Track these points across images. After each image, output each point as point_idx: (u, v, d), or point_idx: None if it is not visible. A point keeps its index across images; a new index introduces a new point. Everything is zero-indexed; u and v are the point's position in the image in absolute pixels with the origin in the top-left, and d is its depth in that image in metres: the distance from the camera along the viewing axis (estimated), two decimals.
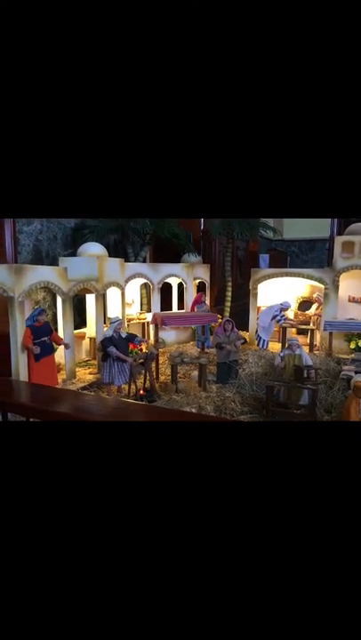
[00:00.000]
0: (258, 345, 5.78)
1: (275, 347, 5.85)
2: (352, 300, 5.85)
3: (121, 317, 5.21)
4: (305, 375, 4.43)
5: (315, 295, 6.03)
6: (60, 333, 4.69)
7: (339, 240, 5.62)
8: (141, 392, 4.52)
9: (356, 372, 4.52)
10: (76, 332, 5.09)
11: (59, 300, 4.71)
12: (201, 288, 6.98)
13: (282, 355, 4.57)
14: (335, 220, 7.32)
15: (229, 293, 6.77)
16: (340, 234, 6.58)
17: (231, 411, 4.32)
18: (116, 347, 4.31)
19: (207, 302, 6.73)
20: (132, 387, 4.56)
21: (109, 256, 5.72)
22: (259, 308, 6.15)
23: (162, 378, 5.15)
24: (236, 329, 5.02)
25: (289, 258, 13.06)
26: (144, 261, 6.68)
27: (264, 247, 11.95)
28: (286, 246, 13.49)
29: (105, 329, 4.89)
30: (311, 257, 12.91)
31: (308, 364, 4.51)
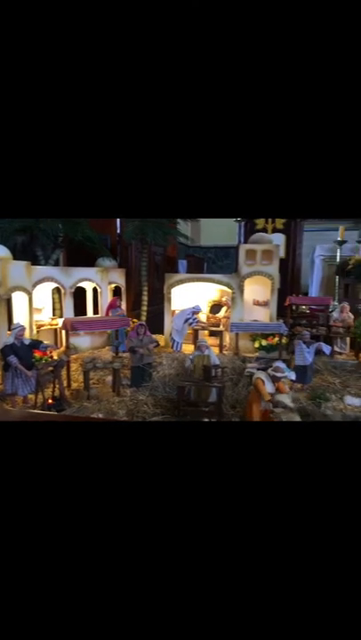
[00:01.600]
0: (172, 347, 5.96)
1: (188, 348, 6.09)
2: (256, 303, 6.37)
3: (26, 324, 4.93)
4: (213, 374, 4.70)
5: (224, 299, 6.44)
6: None
7: (243, 248, 6.09)
8: (50, 401, 4.33)
9: (258, 369, 4.93)
10: None
11: None
12: (117, 292, 6.95)
13: (191, 357, 4.79)
14: (242, 229, 7.92)
15: (146, 298, 6.86)
16: (245, 242, 7.11)
17: (143, 413, 4.38)
18: (17, 354, 4.06)
19: (123, 307, 6.73)
20: (40, 396, 4.34)
21: (17, 259, 5.38)
22: (173, 312, 6.34)
23: (74, 385, 5.00)
24: (149, 332, 5.11)
25: (206, 264, 13.72)
26: (56, 265, 6.42)
27: (182, 253, 12.38)
28: (203, 252, 14.14)
29: (7, 336, 4.58)
30: (226, 263, 13.73)
31: (215, 364, 4.80)
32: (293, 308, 6.79)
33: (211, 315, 6.50)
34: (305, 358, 5.04)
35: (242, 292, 6.10)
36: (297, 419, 4.47)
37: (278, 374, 4.44)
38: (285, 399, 4.29)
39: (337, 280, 8.73)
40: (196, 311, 5.78)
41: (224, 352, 5.93)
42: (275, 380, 4.47)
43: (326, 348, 5.10)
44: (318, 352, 5.15)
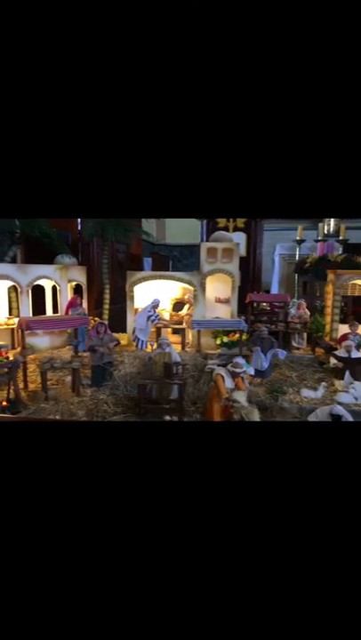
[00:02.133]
0: (137, 346, 5.92)
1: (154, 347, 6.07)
2: (218, 300, 6.46)
3: None
4: (174, 371, 4.72)
5: (186, 297, 6.48)
6: None
7: (204, 246, 6.16)
8: (4, 403, 4.16)
9: (218, 365, 5.01)
10: None
11: None
12: (78, 291, 6.80)
13: (152, 355, 4.79)
14: (204, 227, 8.00)
15: (108, 296, 6.76)
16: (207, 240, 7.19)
17: (104, 413, 4.32)
18: None
19: (84, 305, 6.59)
20: None
21: None
22: (136, 310, 6.30)
23: (32, 386, 4.84)
24: (109, 331, 5.04)
25: (171, 262, 13.74)
26: (13, 262, 6.17)
27: (147, 251, 12.32)
28: (169, 251, 14.16)
29: None
30: (192, 261, 13.82)
31: (176, 361, 4.82)
32: (255, 305, 6.96)
33: (173, 312, 6.52)
34: (261, 365, 5.24)
35: (203, 289, 6.16)
36: (256, 414, 4.59)
37: (237, 370, 4.54)
38: (241, 397, 4.40)
39: (296, 278, 9.07)
40: (155, 305, 5.78)
41: (186, 349, 5.98)
42: (234, 375, 4.57)
43: (282, 354, 5.33)
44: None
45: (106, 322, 5.52)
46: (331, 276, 6.06)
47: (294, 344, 6.31)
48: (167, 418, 4.48)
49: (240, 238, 7.78)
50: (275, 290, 10.14)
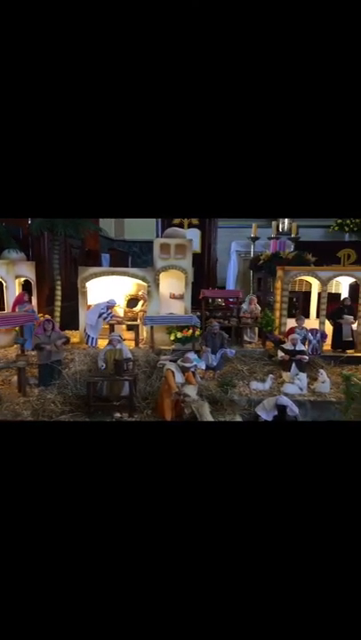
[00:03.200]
0: (87, 343, 5.81)
1: (104, 344, 5.98)
2: (172, 296, 6.49)
3: None
4: (125, 368, 4.69)
5: (140, 293, 6.45)
6: None
7: (157, 242, 6.15)
8: None
9: (170, 361, 5.05)
10: None
11: None
12: (27, 287, 6.54)
13: (103, 354, 4.73)
14: (159, 223, 7.99)
15: (59, 292, 6.57)
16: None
17: (50, 412, 4.21)
18: None
19: (34, 302, 6.36)
20: None
21: None
22: (90, 307, 6.17)
23: None
24: (57, 328, 4.91)
25: (130, 258, 13.60)
26: None
27: (105, 247, 12.09)
28: (128, 247, 14.00)
29: None
30: (151, 257, 13.74)
31: (127, 357, 4.79)
32: (210, 300, 7.08)
33: (128, 309, 6.47)
34: (211, 364, 5.35)
35: (157, 285, 6.16)
36: (206, 407, 4.68)
37: (187, 364, 4.60)
38: (191, 391, 4.47)
39: (251, 274, 9.32)
40: (110, 305, 5.71)
41: (140, 346, 5.96)
42: (184, 370, 4.63)
43: (230, 353, 5.47)
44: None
45: (55, 319, 5.36)
46: (280, 273, 6.28)
47: (246, 338, 6.49)
48: (117, 415, 4.45)
49: (195, 235, 7.86)
50: (231, 286, 10.35)
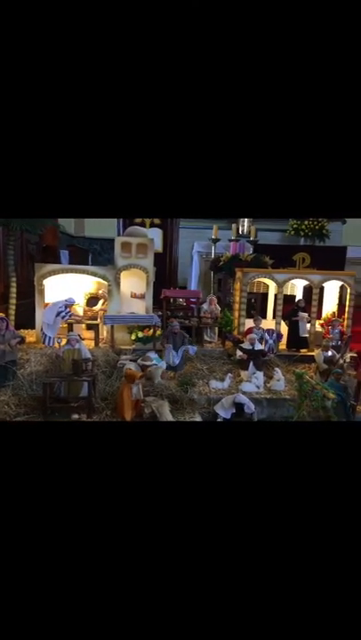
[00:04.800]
0: (44, 342, 5.62)
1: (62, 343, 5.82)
2: (134, 295, 6.45)
3: None
4: (83, 368, 4.61)
5: (100, 291, 6.34)
6: None
7: (118, 241, 6.09)
8: None
9: (130, 360, 5.03)
10: None
11: None
12: None
13: (61, 352, 4.61)
14: (119, 222, 7.91)
15: (14, 290, 6.28)
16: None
17: (4, 414, 4.04)
18: None
19: None
20: None
21: None
22: (47, 305, 5.97)
23: None
24: (11, 327, 4.71)
25: (91, 255, 13.30)
26: None
27: (64, 243, 11.73)
28: (89, 244, 13.68)
29: None
30: (112, 255, 13.53)
31: (86, 357, 4.71)
32: (171, 300, 7.12)
33: (87, 308, 6.34)
34: (173, 361, 5.41)
35: (118, 284, 6.10)
36: (166, 407, 4.72)
37: (147, 363, 4.61)
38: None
39: (212, 275, 9.50)
40: (69, 304, 5.56)
41: (100, 345, 5.86)
42: (144, 369, 4.63)
43: (192, 350, 5.57)
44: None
45: (9, 318, 5.14)
46: (238, 274, 6.47)
47: (206, 338, 6.61)
48: (75, 416, 4.36)
49: (156, 234, 7.87)
50: (193, 286, 10.48)
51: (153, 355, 5.22)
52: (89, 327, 6.24)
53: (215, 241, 9.48)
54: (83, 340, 5.70)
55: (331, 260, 8.82)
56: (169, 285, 7.98)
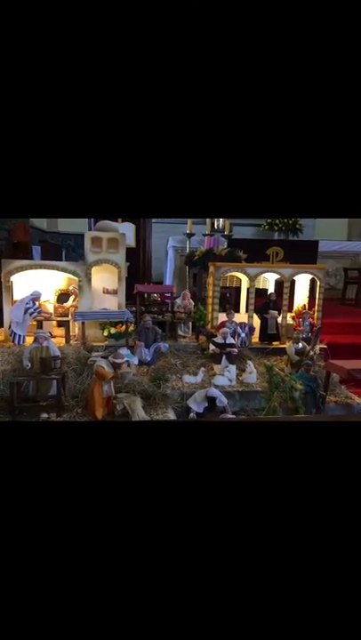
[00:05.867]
0: (13, 341, 5.46)
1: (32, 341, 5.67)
2: (106, 291, 6.36)
3: None
4: (52, 366, 4.51)
5: (71, 287, 6.22)
6: None
7: (88, 235, 5.97)
8: None
9: (101, 357, 4.96)
10: None
11: None
12: None
13: (28, 352, 4.50)
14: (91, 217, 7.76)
15: None
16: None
17: None
18: None
19: None
20: None
21: None
22: (15, 302, 5.79)
23: None
24: None
25: (64, 251, 13.01)
26: None
27: (37, 239, 11.42)
28: (62, 239, 13.38)
29: None
30: None
31: (55, 355, 4.61)
32: (146, 295, 7.07)
33: (58, 304, 6.20)
34: (145, 358, 5.38)
35: (89, 279, 5.99)
36: (138, 402, 4.69)
37: (117, 360, 4.56)
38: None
39: (187, 270, 9.49)
40: (35, 297, 5.42)
41: (71, 342, 5.76)
42: (115, 366, 4.58)
43: (164, 347, 5.55)
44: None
45: None
46: (211, 269, 6.48)
47: (180, 332, 6.61)
48: (45, 415, 4.27)
49: (129, 229, 7.77)
50: (168, 281, 10.45)
51: (124, 351, 5.17)
52: (60, 324, 6.11)
53: (190, 235, 9.46)
54: (54, 337, 5.58)
55: (303, 254, 9.01)
56: (143, 281, 7.92)
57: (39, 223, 11.75)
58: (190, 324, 6.70)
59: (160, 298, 7.39)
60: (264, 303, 6.39)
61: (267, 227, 12.11)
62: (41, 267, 5.87)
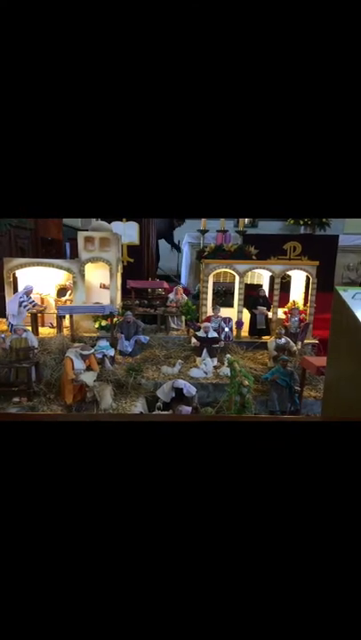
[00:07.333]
0: (11, 332, 6.03)
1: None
2: (102, 286, 6.72)
3: None
4: (30, 356, 4.95)
5: (67, 283, 6.67)
6: None
7: (81, 235, 6.36)
8: None
9: (73, 349, 5.29)
10: None
11: None
12: None
13: (8, 341, 4.98)
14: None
15: None
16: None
17: None
18: None
19: None
20: None
21: None
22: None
23: None
24: None
25: None
26: None
27: (67, 236, 12.19)
28: None
29: None
30: None
31: (31, 346, 5.04)
32: (149, 290, 7.35)
33: (57, 298, 6.69)
34: (125, 349, 5.63)
35: (83, 276, 6.38)
36: (108, 391, 4.94)
37: (84, 352, 4.85)
38: (88, 377, 4.73)
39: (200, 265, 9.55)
40: (28, 291, 5.92)
41: (64, 333, 6.19)
42: (83, 357, 4.88)
43: (144, 339, 5.75)
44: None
45: None
46: (202, 266, 6.51)
47: (173, 325, 6.75)
48: (16, 399, 4.70)
49: (133, 228, 8.07)
50: (183, 276, 10.59)
51: (103, 343, 5.47)
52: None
53: (203, 232, 9.49)
54: (54, 327, 6.09)
55: (322, 249, 8.56)
56: (147, 276, 8.17)
57: (73, 222, 12.51)
58: (183, 317, 6.80)
59: (165, 292, 7.58)
60: (253, 298, 6.28)
61: (292, 221, 11.63)
62: (38, 264, 6.39)
